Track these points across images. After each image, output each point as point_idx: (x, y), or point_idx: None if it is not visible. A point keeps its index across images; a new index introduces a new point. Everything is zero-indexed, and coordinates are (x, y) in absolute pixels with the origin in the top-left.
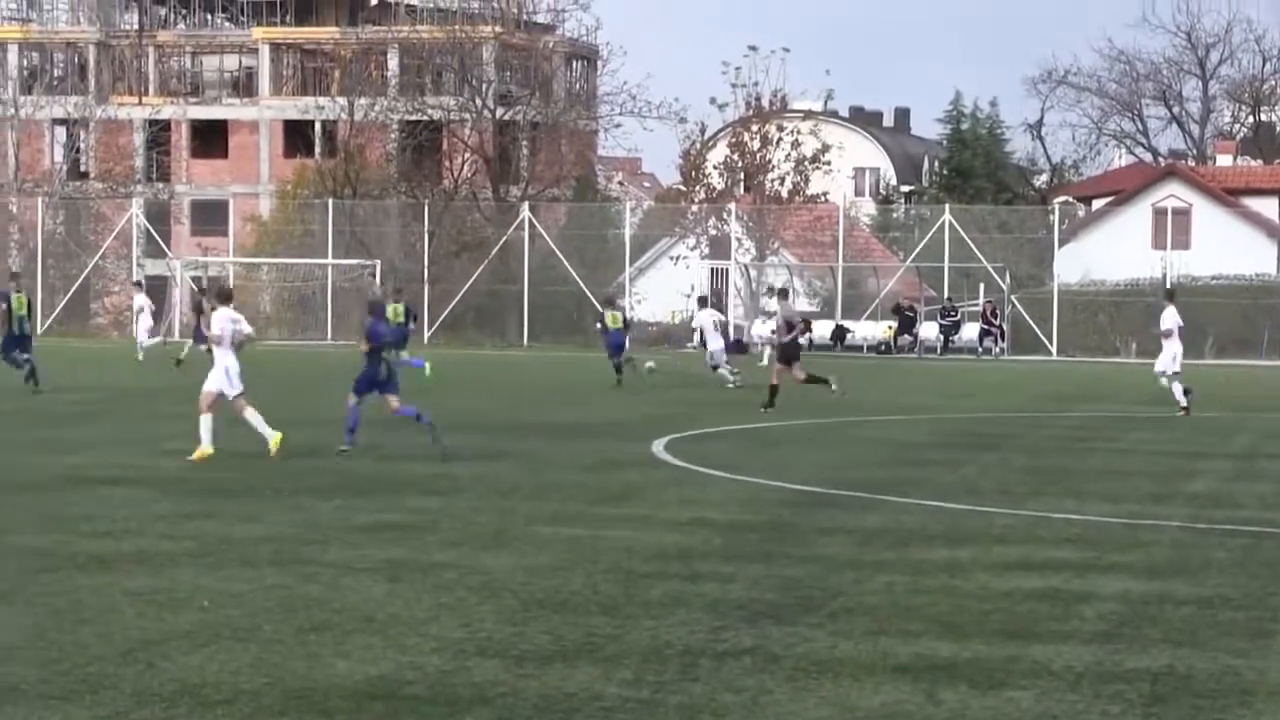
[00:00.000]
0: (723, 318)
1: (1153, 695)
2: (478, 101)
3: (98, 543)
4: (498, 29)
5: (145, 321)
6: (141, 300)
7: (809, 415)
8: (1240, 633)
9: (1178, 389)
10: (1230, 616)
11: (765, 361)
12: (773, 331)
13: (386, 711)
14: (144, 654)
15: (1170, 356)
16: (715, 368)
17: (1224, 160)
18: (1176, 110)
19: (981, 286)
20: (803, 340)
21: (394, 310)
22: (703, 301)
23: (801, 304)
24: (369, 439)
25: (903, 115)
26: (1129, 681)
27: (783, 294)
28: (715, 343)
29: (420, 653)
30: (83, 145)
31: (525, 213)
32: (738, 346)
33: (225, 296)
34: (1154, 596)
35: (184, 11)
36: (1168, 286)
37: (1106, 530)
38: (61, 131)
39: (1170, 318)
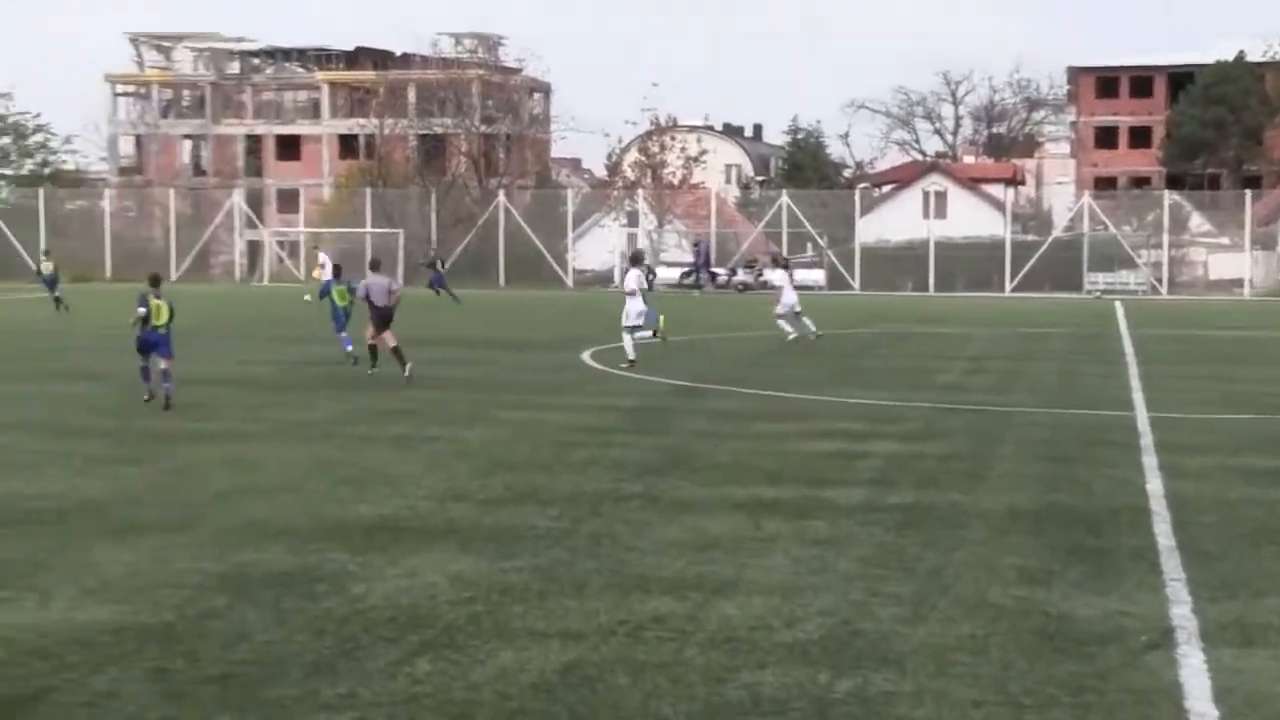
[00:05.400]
0: (638, 285)
1: (904, 520)
2: (468, 121)
3: (198, 424)
4: (481, 72)
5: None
6: (324, 258)
7: (689, 333)
8: (964, 478)
9: (784, 325)
10: (959, 467)
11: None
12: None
13: (389, 539)
14: (228, 501)
15: (786, 304)
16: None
17: (969, 159)
18: (937, 125)
19: (809, 244)
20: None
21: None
22: (635, 260)
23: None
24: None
25: (758, 128)
26: (888, 512)
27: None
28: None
29: (415, 498)
30: (203, 153)
31: (501, 197)
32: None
33: (637, 259)
34: (910, 455)
35: (270, 61)
36: (782, 255)
37: (881, 410)
38: (188, 144)
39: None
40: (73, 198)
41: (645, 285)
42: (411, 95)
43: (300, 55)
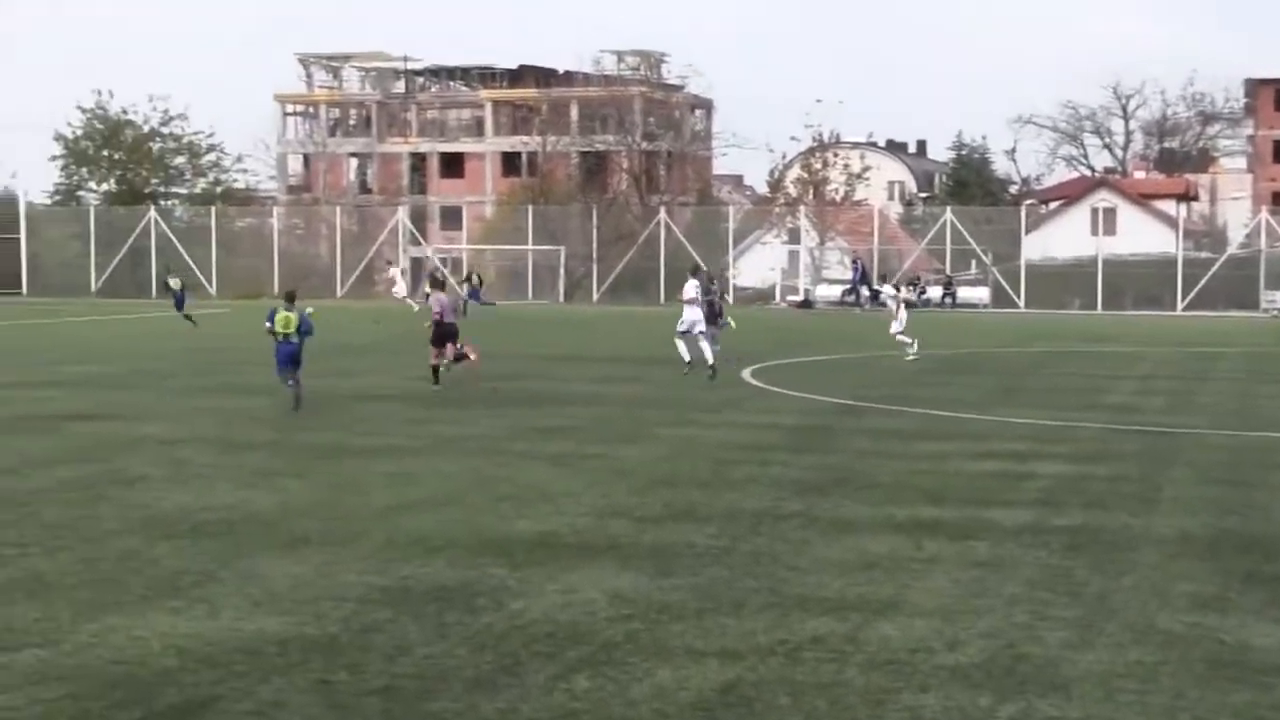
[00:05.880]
0: (697, 294)
1: (1070, 543)
2: (629, 138)
3: (363, 439)
4: (643, 89)
5: (400, 288)
6: (395, 273)
7: (849, 351)
8: (1135, 501)
9: (905, 340)
10: (1129, 489)
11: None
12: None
13: (549, 555)
14: (390, 515)
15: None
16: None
17: (1140, 174)
18: (1106, 140)
19: (973, 261)
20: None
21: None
22: (695, 270)
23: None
24: (546, 370)
25: (921, 144)
26: (1054, 534)
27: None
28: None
29: (574, 515)
30: (368, 171)
31: (662, 214)
32: (804, 304)
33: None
34: (1077, 476)
35: (435, 80)
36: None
37: (1047, 430)
38: (354, 162)
39: (890, 291)
40: (243, 215)
41: (698, 296)
42: (574, 113)
43: (464, 74)
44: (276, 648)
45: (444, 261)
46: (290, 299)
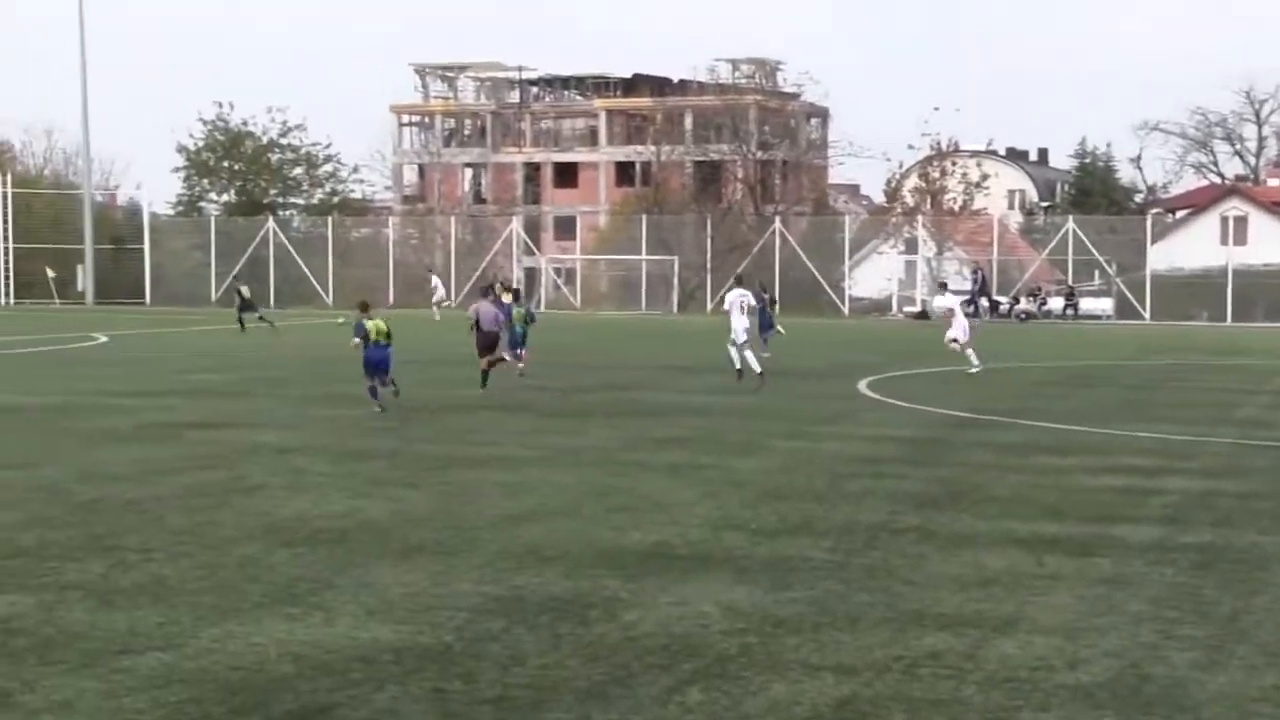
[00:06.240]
0: (750, 301)
1: (1199, 561)
2: (744, 147)
3: (475, 449)
4: (758, 97)
5: (439, 295)
6: (436, 281)
7: (966, 363)
8: (1267, 518)
9: (971, 355)
10: (1261, 507)
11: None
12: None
13: (662, 566)
14: (504, 525)
15: (960, 329)
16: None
17: (1273, 182)
18: (1238, 147)
19: (1096, 272)
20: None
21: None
22: (738, 280)
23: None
24: (659, 381)
25: (1043, 152)
26: (1182, 552)
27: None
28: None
29: (688, 526)
30: (483, 181)
31: (777, 224)
32: (920, 315)
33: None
34: (1206, 492)
35: (549, 90)
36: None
37: (1174, 445)
38: (469, 172)
39: (949, 300)
40: (359, 226)
41: (753, 304)
42: (688, 122)
43: (578, 83)
44: (391, 656)
45: (558, 271)
46: (365, 308)
